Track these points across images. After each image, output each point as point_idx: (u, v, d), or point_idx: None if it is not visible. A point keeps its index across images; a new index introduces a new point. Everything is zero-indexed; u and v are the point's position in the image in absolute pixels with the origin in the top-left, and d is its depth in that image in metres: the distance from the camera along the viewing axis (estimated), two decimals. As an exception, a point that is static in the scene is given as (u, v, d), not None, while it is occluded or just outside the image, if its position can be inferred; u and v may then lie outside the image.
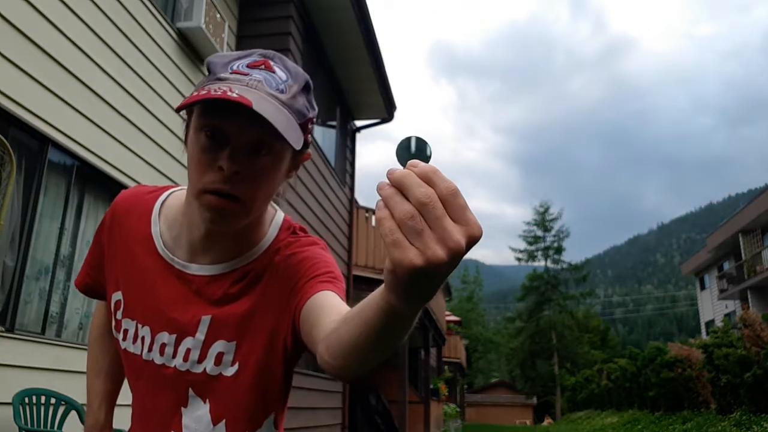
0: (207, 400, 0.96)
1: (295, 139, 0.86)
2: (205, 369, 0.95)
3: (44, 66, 3.88)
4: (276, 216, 1.05)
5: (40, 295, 4.00)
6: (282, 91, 0.88)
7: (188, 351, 0.96)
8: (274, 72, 0.89)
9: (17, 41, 3.66)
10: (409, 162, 0.53)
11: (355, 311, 0.69)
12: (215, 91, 0.82)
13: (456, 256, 0.50)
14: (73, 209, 4.33)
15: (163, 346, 0.97)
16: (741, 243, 23.28)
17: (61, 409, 3.78)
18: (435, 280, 0.52)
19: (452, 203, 0.51)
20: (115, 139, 4.60)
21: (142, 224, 1.04)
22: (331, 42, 7.91)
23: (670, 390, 14.97)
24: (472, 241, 0.51)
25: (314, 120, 0.97)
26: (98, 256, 1.09)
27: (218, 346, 0.95)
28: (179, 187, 1.11)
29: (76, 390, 3.93)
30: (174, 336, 0.97)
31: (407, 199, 0.51)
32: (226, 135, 0.86)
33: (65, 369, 3.99)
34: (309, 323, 0.86)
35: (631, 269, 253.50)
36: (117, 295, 1.03)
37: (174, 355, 0.97)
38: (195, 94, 0.85)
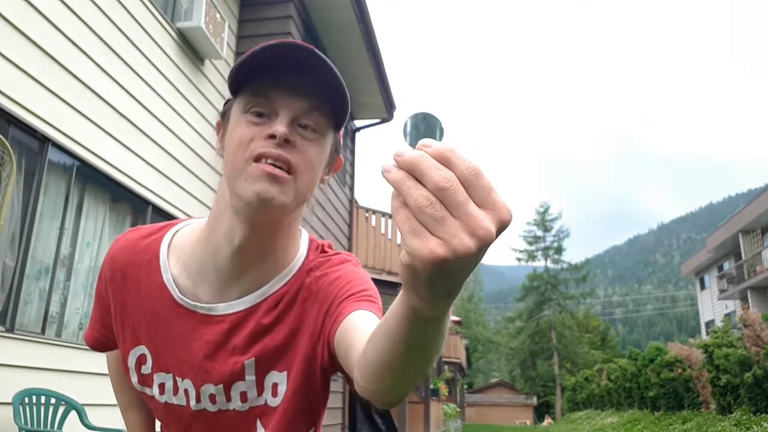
0: (266, 428, 0.93)
1: (345, 111, 0.86)
2: (266, 401, 0.92)
3: (44, 66, 3.88)
4: (302, 235, 0.99)
5: (40, 295, 4.00)
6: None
7: (243, 393, 0.92)
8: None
9: (17, 41, 3.66)
10: (420, 142, 0.46)
11: (379, 326, 0.63)
12: (264, 50, 0.81)
13: (485, 244, 0.44)
14: (73, 209, 4.33)
15: (212, 396, 0.93)
16: (741, 243, 23.28)
17: (61, 409, 3.78)
18: (461, 273, 0.46)
19: (476, 185, 0.44)
20: (115, 139, 4.60)
21: (152, 273, 0.96)
22: (331, 42, 7.91)
23: (670, 390, 14.97)
24: (503, 226, 0.45)
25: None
26: (104, 311, 1.03)
27: (271, 377, 0.92)
28: (183, 222, 1.04)
29: (76, 390, 3.93)
30: (221, 386, 0.92)
31: (422, 184, 0.44)
32: (274, 110, 0.83)
33: (65, 369, 3.99)
34: (344, 347, 0.80)
35: (631, 269, 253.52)
36: (139, 350, 0.97)
37: (229, 400, 0.93)
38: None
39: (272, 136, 0.81)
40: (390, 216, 8.29)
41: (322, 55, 0.81)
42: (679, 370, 14.58)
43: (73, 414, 3.81)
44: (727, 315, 24.84)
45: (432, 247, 0.43)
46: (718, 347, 11.70)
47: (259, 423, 0.93)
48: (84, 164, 4.32)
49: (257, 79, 0.84)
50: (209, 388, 0.92)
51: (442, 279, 0.45)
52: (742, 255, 23.38)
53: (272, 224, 0.87)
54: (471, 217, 0.43)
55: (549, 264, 43.69)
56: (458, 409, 22.30)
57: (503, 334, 51.56)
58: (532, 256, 44.20)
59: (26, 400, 3.51)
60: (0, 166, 3.23)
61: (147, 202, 4.97)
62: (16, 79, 3.63)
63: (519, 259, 44.76)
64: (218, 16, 5.87)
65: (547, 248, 43.85)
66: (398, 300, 0.54)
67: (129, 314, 0.97)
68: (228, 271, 0.90)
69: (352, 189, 10.00)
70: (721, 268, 27.20)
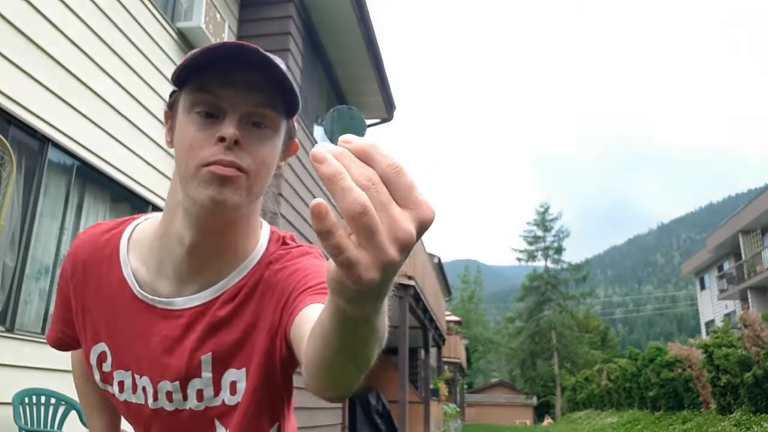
0: (227, 427, 0.91)
1: (295, 106, 0.85)
2: (223, 401, 0.90)
3: (44, 66, 3.88)
4: (263, 227, 0.97)
5: (40, 295, 4.00)
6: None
7: (200, 391, 0.90)
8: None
9: (17, 41, 3.66)
10: (340, 138, 0.44)
11: (315, 324, 0.62)
12: (207, 50, 0.79)
13: (407, 248, 0.42)
14: (73, 209, 4.33)
15: (169, 393, 0.91)
16: (741, 243, 23.28)
17: (61, 409, 3.78)
18: (388, 280, 0.44)
19: (397, 183, 0.42)
20: (115, 139, 4.60)
21: (113, 268, 0.94)
22: (331, 42, 7.91)
23: (670, 390, 14.97)
24: (424, 226, 0.43)
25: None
26: (66, 309, 1.01)
27: (229, 375, 0.90)
28: (144, 217, 1.03)
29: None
30: (177, 383, 0.90)
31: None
32: (222, 109, 0.82)
33: (65, 369, 3.99)
34: (297, 340, 0.79)
35: (631, 269, 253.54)
36: (99, 347, 0.95)
37: (185, 398, 0.91)
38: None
39: (222, 140, 0.80)
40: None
41: (265, 52, 0.81)
42: (679, 370, 14.58)
43: (73, 414, 3.81)
44: (727, 315, 24.83)
45: (361, 273, 0.42)
46: (718, 347, 11.70)
47: (218, 423, 0.91)
48: (84, 164, 4.32)
49: (202, 75, 0.82)
50: (166, 385, 0.91)
51: (370, 290, 0.44)
52: (742, 255, 23.38)
53: (225, 224, 0.87)
54: (394, 220, 0.41)
55: (549, 264, 43.71)
56: (458, 409, 22.31)
57: (503, 334, 51.53)
58: (532, 256, 44.21)
59: (26, 400, 3.51)
60: (0, 166, 3.23)
61: (147, 202, 4.97)
62: (16, 79, 3.63)
63: (519, 259, 44.77)
64: (218, 16, 5.87)
65: (547, 248, 43.85)
66: (327, 299, 0.53)
67: (90, 310, 0.96)
68: (184, 268, 0.90)
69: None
70: (721, 268, 27.20)
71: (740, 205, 27.25)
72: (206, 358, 0.89)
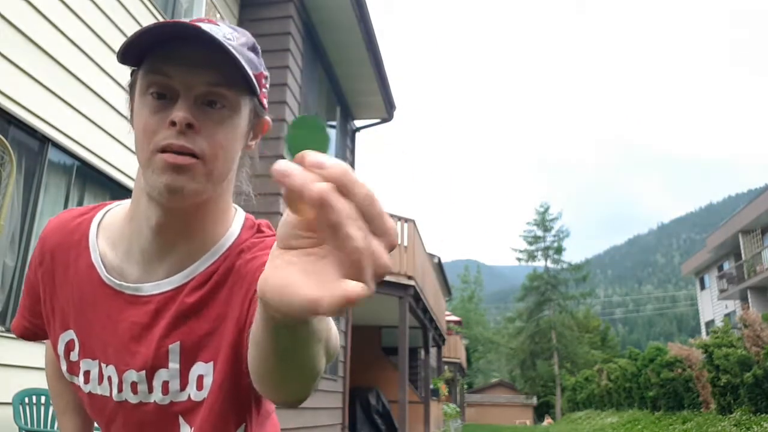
0: (191, 425, 0.86)
1: (251, 84, 0.79)
2: (189, 396, 0.85)
3: (44, 66, 3.88)
4: (237, 214, 0.93)
5: (40, 295, 4.00)
6: (228, 39, 0.79)
7: (165, 384, 0.85)
8: (218, 25, 0.82)
9: (17, 41, 3.66)
10: (309, 160, 0.40)
11: (252, 329, 0.58)
12: (156, 27, 0.75)
13: (382, 278, 0.41)
14: (73, 209, 4.33)
15: (134, 384, 0.87)
16: (741, 243, 23.29)
17: (61, 409, 3.78)
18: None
19: (372, 214, 0.40)
20: (115, 139, 4.61)
21: (81, 254, 0.91)
22: (331, 42, 7.91)
23: (670, 390, 14.97)
24: (390, 250, 0.42)
25: (267, 78, 0.89)
26: (34, 299, 0.98)
27: (197, 369, 0.85)
28: (117, 203, 1.01)
29: (76, 390, 3.93)
30: (143, 373, 0.86)
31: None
32: (174, 90, 0.78)
33: (65, 369, 3.99)
34: None
35: (631, 269, 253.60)
36: (67, 335, 0.92)
37: (150, 390, 0.86)
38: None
39: (173, 124, 0.76)
40: (389, 216, 8.19)
41: (213, 29, 0.78)
42: (679, 370, 14.58)
43: (73, 414, 3.80)
44: (727, 315, 24.85)
45: (330, 297, 0.39)
46: (718, 347, 11.70)
47: (182, 420, 0.86)
48: (84, 164, 4.32)
49: (154, 55, 0.78)
50: (131, 375, 0.86)
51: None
52: (742, 255, 23.39)
53: (190, 206, 0.83)
54: (375, 256, 0.40)
55: (549, 264, 43.70)
56: (458, 409, 22.31)
57: (503, 334, 51.54)
58: (532, 256, 44.21)
59: (26, 400, 3.51)
60: (0, 166, 3.23)
61: (147, 202, 4.97)
62: (16, 79, 3.63)
63: (519, 259, 44.77)
64: (218, 16, 5.87)
65: (547, 248, 43.85)
66: (258, 307, 0.49)
67: (58, 298, 0.93)
68: (151, 251, 0.86)
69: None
70: (721, 268, 27.21)
71: (740, 205, 27.26)
72: (174, 347, 0.85)
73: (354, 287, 0.38)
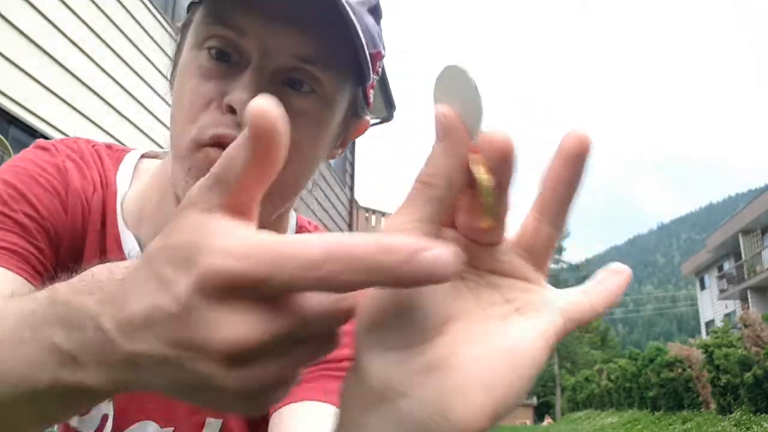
0: None
1: (362, 65, 0.54)
2: None
3: (44, 66, 3.88)
4: (290, 217, 0.71)
5: (40, 295, 4.00)
6: None
7: None
8: None
9: (17, 41, 3.66)
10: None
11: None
12: None
13: None
14: (73, 209, 4.33)
15: None
16: (741, 243, 23.29)
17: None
18: None
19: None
20: (116, 139, 4.60)
21: (97, 223, 0.63)
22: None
23: (670, 390, 14.97)
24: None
25: (382, 60, 0.62)
26: (39, 242, 0.64)
27: (207, 426, 0.66)
28: (145, 150, 0.74)
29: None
30: (171, 429, 0.66)
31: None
32: (244, 53, 0.53)
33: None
34: None
35: (631, 269, 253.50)
36: None
37: None
38: None
39: (232, 110, 0.53)
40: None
41: None
42: (679, 370, 14.59)
43: (73, 414, 3.80)
44: (727, 315, 24.84)
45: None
46: (718, 347, 11.71)
47: None
48: (84, 164, 4.32)
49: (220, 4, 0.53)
50: (149, 427, 0.65)
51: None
52: (742, 255, 23.39)
53: None
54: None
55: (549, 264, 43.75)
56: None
57: (503, 334, 51.49)
58: (532, 256, 44.26)
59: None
60: (0, 166, 3.24)
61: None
62: (16, 78, 3.63)
63: (519, 259, 44.83)
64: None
65: (547, 248, 43.91)
66: None
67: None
68: None
69: (352, 189, 10.01)
70: (721, 268, 27.21)
71: (740, 205, 27.29)
72: (214, 423, 0.66)
73: None
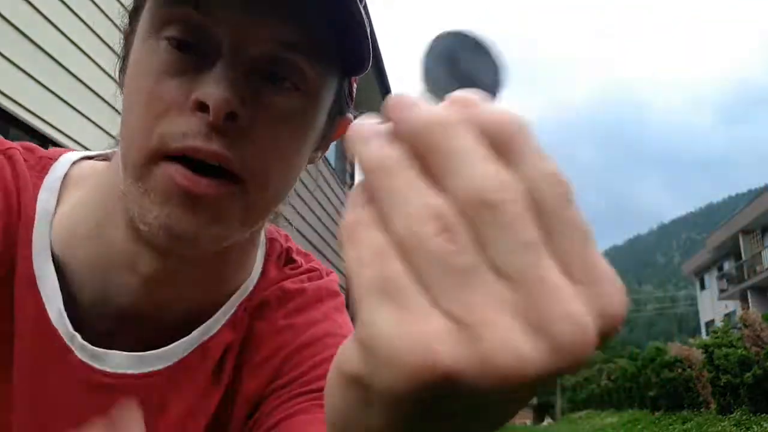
0: None
1: (365, 53, 0.46)
2: None
3: (44, 66, 3.88)
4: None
5: (40, 295, 4.00)
6: None
7: None
8: None
9: (17, 41, 3.66)
10: (451, 94, 0.22)
11: None
12: None
13: (573, 359, 0.19)
14: (73, 209, 4.33)
15: None
16: (741, 243, 23.32)
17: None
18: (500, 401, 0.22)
19: (560, 218, 0.21)
20: (116, 139, 4.60)
21: (11, 248, 0.49)
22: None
23: (670, 390, 14.99)
24: (609, 326, 0.20)
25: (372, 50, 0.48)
26: None
27: None
28: (85, 153, 0.60)
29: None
30: None
31: (437, 186, 0.21)
32: (213, 41, 0.43)
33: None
34: None
35: (631, 269, 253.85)
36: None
37: None
38: None
39: (201, 107, 0.42)
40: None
41: None
42: (680, 370, 14.60)
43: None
44: (727, 315, 24.86)
45: (428, 343, 0.19)
46: (718, 347, 11.71)
47: None
48: (84, 164, 4.32)
49: None
50: None
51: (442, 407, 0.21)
52: (742, 255, 23.41)
53: (205, 253, 0.49)
54: (544, 291, 0.20)
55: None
56: (458, 409, 22.29)
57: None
58: (532, 256, 44.24)
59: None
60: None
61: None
62: (16, 78, 3.64)
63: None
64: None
65: (547, 248, 43.89)
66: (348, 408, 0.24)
67: None
68: (132, 309, 0.51)
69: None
70: (721, 268, 27.23)
71: (740, 205, 27.30)
72: None
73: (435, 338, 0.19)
